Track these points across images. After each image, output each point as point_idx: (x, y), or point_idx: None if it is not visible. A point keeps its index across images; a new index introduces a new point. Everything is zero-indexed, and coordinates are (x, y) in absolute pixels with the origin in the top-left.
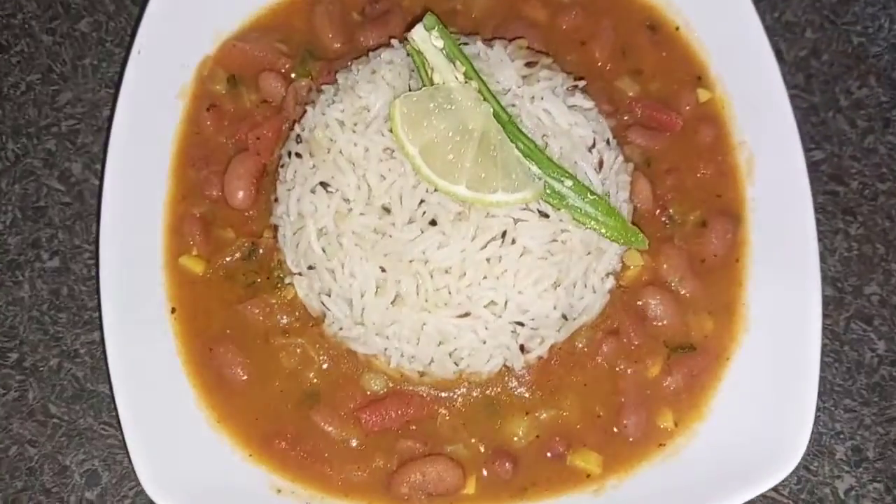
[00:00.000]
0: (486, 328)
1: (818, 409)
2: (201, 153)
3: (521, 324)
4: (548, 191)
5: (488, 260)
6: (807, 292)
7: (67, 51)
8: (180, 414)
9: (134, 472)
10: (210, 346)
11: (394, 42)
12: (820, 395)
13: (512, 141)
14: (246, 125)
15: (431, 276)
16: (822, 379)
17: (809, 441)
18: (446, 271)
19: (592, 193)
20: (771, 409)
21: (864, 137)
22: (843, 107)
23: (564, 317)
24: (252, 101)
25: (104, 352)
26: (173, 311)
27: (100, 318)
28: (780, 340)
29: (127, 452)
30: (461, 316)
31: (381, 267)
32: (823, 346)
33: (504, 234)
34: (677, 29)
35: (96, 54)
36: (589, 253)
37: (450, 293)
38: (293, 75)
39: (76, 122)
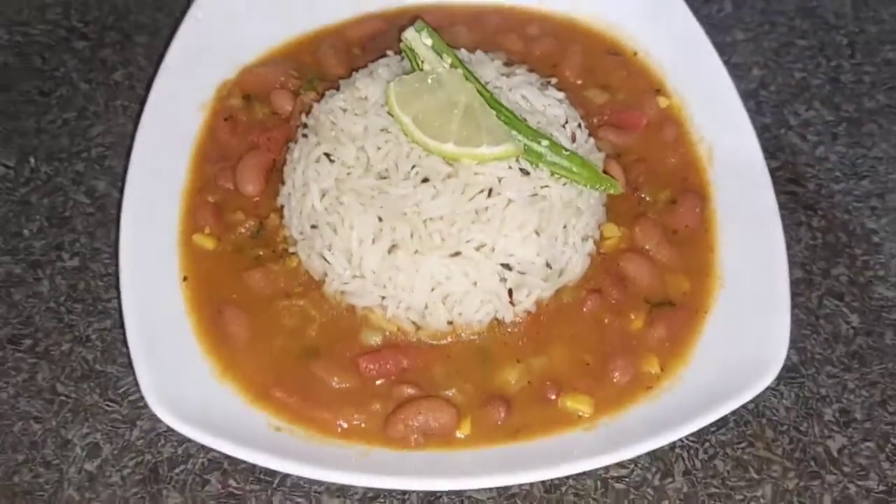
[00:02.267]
0: (477, 270)
1: (802, 376)
2: (217, 153)
3: (509, 267)
4: (527, 151)
5: (476, 211)
6: (772, 246)
7: (102, 95)
8: (187, 364)
9: (132, 444)
10: (218, 309)
11: (389, 53)
12: (801, 363)
13: (493, 109)
14: (258, 129)
15: (425, 224)
16: (802, 349)
17: (797, 404)
18: (439, 219)
19: (567, 150)
20: (750, 343)
21: (815, 148)
22: (793, 125)
23: (549, 265)
24: (264, 113)
25: (120, 333)
26: (185, 279)
27: (116, 281)
28: (753, 291)
29: (135, 383)
30: (452, 255)
31: (378, 217)
32: (799, 320)
33: (490, 190)
34: (635, 54)
35: (128, 97)
36: (567, 208)
37: (442, 238)
38: (302, 91)
39: (105, 149)
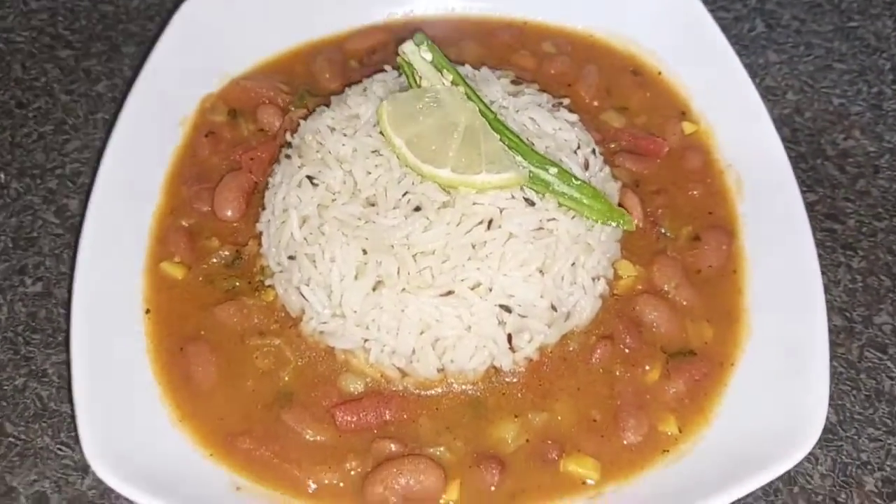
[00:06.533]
0: (471, 313)
1: (840, 438)
2: (195, 172)
3: (508, 309)
4: (532, 179)
5: (473, 245)
6: (810, 293)
7: (82, 107)
8: (141, 408)
9: (84, 492)
10: (181, 346)
11: (386, 68)
12: (840, 423)
13: (496, 133)
14: (241, 148)
15: (415, 259)
16: (841, 406)
17: (834, 471)
18: (430, 253)
19: (577, 179)
20: (783, 404)
21: (855, 181)
22: (831, 156)
23: (553, 308)
24: (249, 130)
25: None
26: (147, 311)
27: (68, 311)
28: (786, 342)
29: (75, 431)
30: (444, 295)
31: (362, 249)
32: (838, 373)
33: (490, 221)
34: (660, 74)
35: (109, 110)
36: (576, 244)
37: (433, 275)
38: (291, 108)
39: (81, 165)
